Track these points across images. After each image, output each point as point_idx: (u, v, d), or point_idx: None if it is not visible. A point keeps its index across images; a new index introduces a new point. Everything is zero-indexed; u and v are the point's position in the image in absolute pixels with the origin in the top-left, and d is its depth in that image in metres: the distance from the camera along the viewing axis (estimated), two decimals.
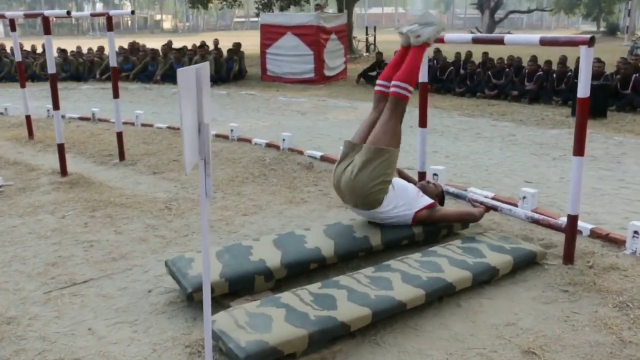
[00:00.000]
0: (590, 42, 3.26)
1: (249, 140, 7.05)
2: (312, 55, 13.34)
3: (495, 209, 4.16)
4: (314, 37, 13.25)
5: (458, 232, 4.09)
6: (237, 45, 14.61)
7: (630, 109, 9.34)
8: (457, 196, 4.61)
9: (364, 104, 10.46)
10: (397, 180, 3.96)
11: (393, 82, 3.77)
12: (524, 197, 4.51)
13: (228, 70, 13.77)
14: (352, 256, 3.59)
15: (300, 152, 6.46)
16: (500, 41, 3.82)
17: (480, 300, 3.20)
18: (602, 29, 49.73)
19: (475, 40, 4.06)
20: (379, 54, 14.10)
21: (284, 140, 6.63)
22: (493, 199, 4.61)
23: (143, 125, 8.20)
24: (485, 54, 12.84)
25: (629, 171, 5.87)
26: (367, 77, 13.95)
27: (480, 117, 9.21)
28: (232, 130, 7.19)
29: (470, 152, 6.78)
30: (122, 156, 6.29)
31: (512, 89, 11.39)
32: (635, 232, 3.74)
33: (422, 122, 4.65)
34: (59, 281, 3.43)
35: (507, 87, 11.51)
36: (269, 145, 6.82)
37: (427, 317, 3.03)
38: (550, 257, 3.69)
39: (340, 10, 19.45)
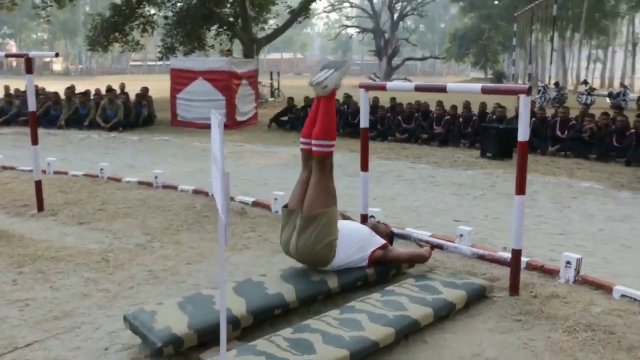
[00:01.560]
0: (528, 92, 3.57)
1: (174, 187, 6.87)
2: (224, 101, 13.34)
3: (440, 247, 4.34)
4: (225, 82, 13.29)
5: (405, 272, 4.22)
6: (145, 90, 14.32)
7: (531, 150, 10.15)
8: (401, 236, 4.76)
9: (281, 149, 10.59)
10: (345, 226, 3.95)
11: (313, 142, 3.71)
12: (461, 235, 4.74)
13: (137, 115, 13.41)
14: (312, 300, 3.58)
15: (231, 199, 6.39)
16: (442, 89, 4.07)
17: (443, 335, 3.31)
18: (489, 75, 54.00)
19: (418, 89, 4.29)
20: (290, 99, 14.38)
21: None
22: (433, 237, 4.80)
23: (56, 172, 7.75)
24: (393, 99, 13.49)
25: (544, 207, 6.37)
26: (278, 122, 14.16)
27: (397, 160, 9.61)
28: (156, 177, 6.98)
29: (396, 194, 7.04)
30: (40, 206, 5.89)
31: (422, 132, 12.02)
32: (568, 262, 4.06)
33: (364, 166, 4.80)
34: None
35: (416, 131, 12.13)
36: (196, 191, 6.69)
37: (397, 355, 3.08)
38: (496, 289, 3.90)
39: (245, 55, 19.70)
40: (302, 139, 3.89)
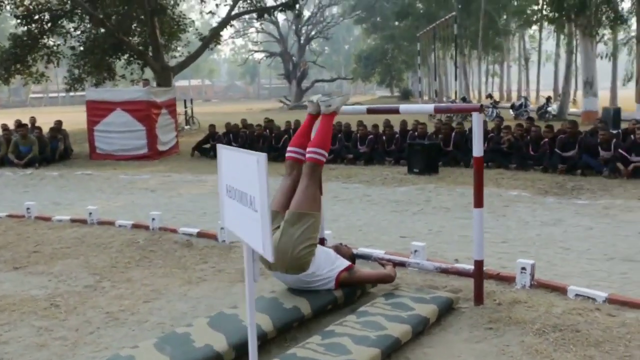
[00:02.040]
0: (480, 109, 3.75)
1: (111, 223, 6.56)
2: (144, 131, 12.98)
3: (402, 264, 4.42)
4: (144, 112, 12.94)
5: (369, 291, 4.26)
6: (59, 123, 13.63)
7: (455, 163, 10.61)
8: (362, 257, 4.80)
9: (210, 177, 10.41)
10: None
11: (309, 149, 3.93)
12: (416, 251, 4.84)
13: (53, 150, 12.72)
14: (288, 327, 3.53)
15: (174, 231, 6.19)
16: (395, 111, 4.19)
17: (423, 350, 3.36)
18: (396, 93, 56.00)
19: (371, 111, 4.37)
20: (212, 126, 14.19)
21: (153, 219, 6.30)
22: (392, 254, 4.88)
23: None
24: (297, 121, 13.65)
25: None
26: (201, 150, 13.91)
27: (329, 181, 9.70)
28: (90, 213, 6.64)
29: (337, 215, 7.10)
30: None
31: (347, 152, 12.23)
32: (523, 268, 4.26)
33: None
34: None
35: (341, 152, 12.33)
36: (136, 226, 6.43)
37: None
38: (461, 301, 4.01)
39: (158, 84, 19.26)
40: (290, 148, 4.11)
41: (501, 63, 45.02)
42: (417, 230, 6.22)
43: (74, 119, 21.30)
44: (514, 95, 39.61)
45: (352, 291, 4.04)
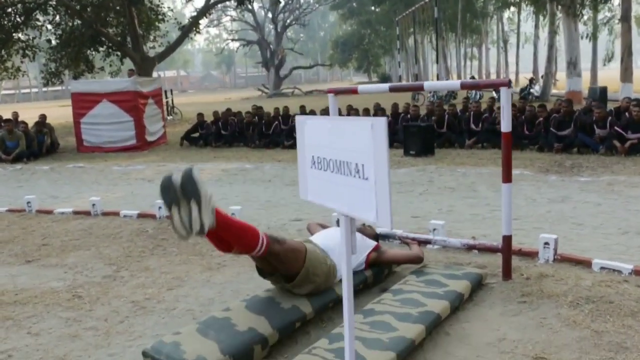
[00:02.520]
0: (509, 84, 3.74)
1: (116, 214, 6.45)
2: (132, 122, 12.77)
3: (428, 242, 4.42)
4: (132, 102, 12.72)
5: (395, 271, 4.26)
6: (44, 117, 13.33)
7: (449, 144, 10.66)
8: (386, 237, 4.79)
9: (207, 165, 10.32)
10: (333, 236, 3.83)
11: (251, 255, 3.25)
12: (434, 229, 4.85)
13: (39, 144, 12.45)
14: (325, 308, 3.51)
15: None
16: (420, 88, 4.16)
17: (461, 325, 3.37)
18: (374, 79, 55.99)
19: (393, 89, 4.34)
20: (200, 114, 14.02)
21: (160, 208, 6.21)
22: (416, 233, 4.88)
23: None
24: (286, 107, 13.58)
25: (488, 197, 6.69)
26: (190, 139, 13.76)
27: None
28: (94, 204, 6.51)
29: None
30: None
31: None
32: (546, 243, 4.29)
33: None
34: None
35: None
36: (141, 215, 6.33)
37: (430, 350, 3.09)
38: (488, 277, 4.03)
39: (139, 75, 18.92)
40: (229, 253, 3.30)
41: (479, 46, 45.27)
42: (427, 210, 6.23)
43: (52, 113, 20.84)
44: (493, 77, 39.86)
45: (380, 271, 4.03)
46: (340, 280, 3.65)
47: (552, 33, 20.72)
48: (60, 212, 6.65)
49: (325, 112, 13.00)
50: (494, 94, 22.35)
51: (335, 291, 3.59)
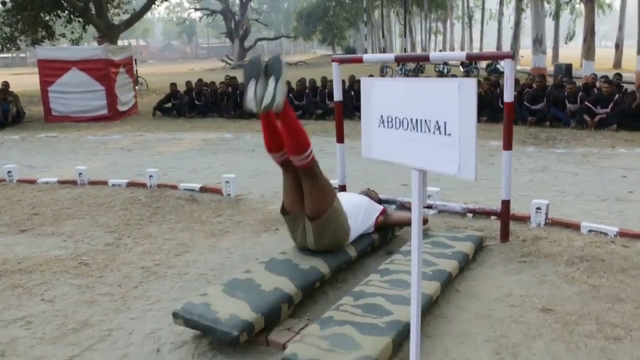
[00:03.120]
0: (513, 56, 3.88)
1: (104, 183, 6.40)
2: (104, 91, 12.49)
3: (429, 207, 4.59)
4: (103, 71, 12.42)
5: (397, 234, 4.43)
6: (6, 85, 12.89)
7: None
8: (387, 202, 4.93)
9: (185, 135, 10.26)
10: (346, 199, 3.92)
11: (293, 157, 3.41)
12: (430, 196, 5.03)
13: (4, 112, 12.06)
14: (339, 269, 3.64)
15: (174, 187, 6.12)
16: (425, 58, 4.27)
17: (469, 284, 3.56)
18: (338, 52, 55.78)
19: (399, 59, 4.43)
20: (173, 84, 13.81)
21: (151, 176, 6.20)
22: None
23: None
24: None
25: None
26: (163, 109, 13.58)
27: (313, 135, 9.73)
28: (80, 173, 6.44)
29: (332, 167, 7.18)
30: None
31: (316, 108, 12.27)
32: (538, 208, 4.52)
33: (339, 139, 4.89)
34: None
35: (310, 108, 12.35)
36: (131, 184, 6.30)
37: (444, 306, 3.27)
38: (486, 239, 4.24)
39: (100, 43, 18.41)
40: (271, 154, 3.55)
41: (444, 21, 45.61)
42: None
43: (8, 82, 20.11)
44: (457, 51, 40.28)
45: (385, 234, 4.19)
46: (351, 242, 3.81)
47: (519, 10, 21.09)
48: (45, 182, 6.54)
49: (300, 82, 13.02)
50: (461, 69, 22.76)
51: (347, 253, 3.72)
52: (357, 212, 3.90)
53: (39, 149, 9.31)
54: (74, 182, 6.47)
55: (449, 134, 1.56)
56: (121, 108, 12.98)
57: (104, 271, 3.97)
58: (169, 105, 13.57)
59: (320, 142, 9.02)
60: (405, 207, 4.56)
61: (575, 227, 4.40)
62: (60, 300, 3.53)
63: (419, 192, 1.77)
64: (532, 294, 3.35)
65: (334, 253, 3.67)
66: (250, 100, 3.12)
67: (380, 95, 1.80)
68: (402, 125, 1.72)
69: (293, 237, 3.73)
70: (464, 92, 1.48)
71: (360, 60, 4.42)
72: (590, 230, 4.31)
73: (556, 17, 26.86)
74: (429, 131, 1.62)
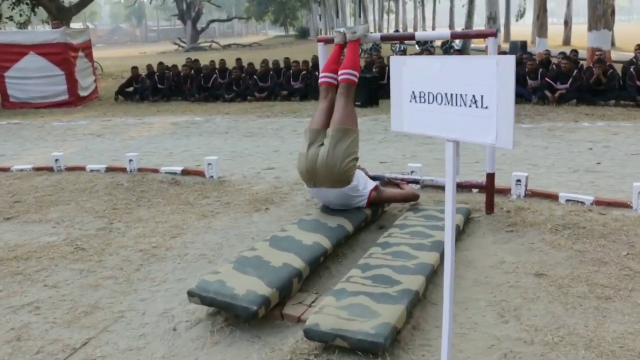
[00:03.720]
0: (495, 34, 4.05)
1: (82, 168, 6.31)
2: (64, 76, 12.16)
3: (417, 182, 4.75)
4: (62, 55, 12.08)
5: (386, 210, 4.58)
6: None
7: (387, 96, 11.04)
8: (374, 178, 5.06)
9: (154, 119, 10.14)
10: None
11: (344, 71, 4.23)
12: (412, 172, 5.20)
13: None
14: (339, 244, 3.77)
15: (155, 171, 6.10)
16: (411, 37, 4.40)
17: (463, 253, 3.74)
18: (291, 32, 55.37)
19: (385, 38, 4.54)
20: (135, 68, 13.53)
21: (131, 161, 6.15)
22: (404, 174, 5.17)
23: None
24: (222, 60, 13.43)
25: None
26: (124, 94, 13.32)
27: (281, 116, 9.80)
28: (57, 160, 6.33)
29: None
30: None
31: (281, 89, 12.28)
32: (518, 180, 4.75)
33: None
34: (50, 354, 2.81)
35: (275, 89, 12.34)
36: (110, 169, 6.24)
37: (441, 275, 3.43)
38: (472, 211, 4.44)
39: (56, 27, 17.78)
40: (324, 74, 4.38)
41: (396, 0, 45.91)
42: (392, 157, 6.57)
43: None
44: (410, 31, 40.68)
45: (376, 209, 4.34)
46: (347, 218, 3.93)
47: None
48: (20, 169, 6.41)
49: (264, 63, 12.97)
50: (417, 47, 23.06)
51: (345, 228, 3.85)
52: (360, 176, 4.10)
53: (3, 137, 9.04)
54: (50, 169, 6.36)
55: (486, 107, 1.68)
56: (82, 93, 12.67)
57: (102, 255, 3.98)
58: (130, 89, 13.31)
59: (292, 123, 9.10)
60: (392, 183, 4.71)
61: (554, 197, 4.65)
62: (64, 285, 3.54)
63: (453, 162, 1.89)
64: (523, 260, 3.56)
65: (334, 228, 3.79)
66: (341, 28, 4.29)
67: (412, 73, 1.91)
68: (435, 99, 1.84)
69: (306, 150, 4.04)
70: (502, 68, 1.61)
71: None
72: (567, 200, 4.57)
73: None
74: (465, 105, 1.74)
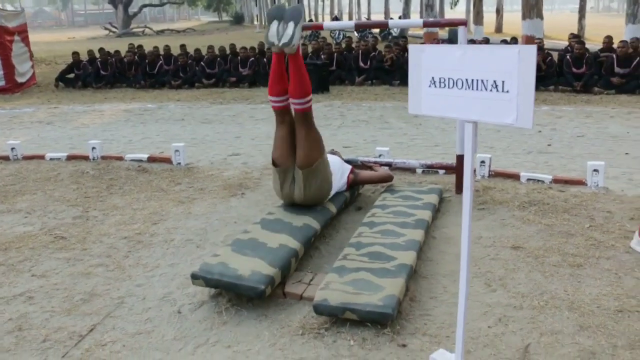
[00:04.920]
0: (465, 23, 4.26)
1: (41, 157, 6.13)
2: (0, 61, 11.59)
3: (389, 165, 4.94)
4: None
5: (360, 192, 4.76)
6: None
7: (341, 81, 11.23)
8: (348, 162, 5.20)
9: (103, 106, 9.89)
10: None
11: (294, 100, 3.72)
12: (380, 155, 5.39)
13: None
14: (326, 224, 3.91)
15: (119, 158, 6.01)
16: (384, 25, 4.54)
17: (441, 230, 3.97)
18: (225, 18, 54.50)
19: (359, 26, 4.66)
20: (75, 53, 13.08)
21: (94, 149, 6.03)
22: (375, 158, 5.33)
23: None
24: (167, 46, 13.18)
25: (402, 127, 7.39)
26: (65, 80, 12.86)
27: (229, 103, 9.78)
28: (13, 148, 6.11)
29: (265, 133, 7.35)
30: None
31: (229, 76, 12.20)
32: (482, 161, 5.03)
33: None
34: (57, 342, 2.80)
35: (223, 75, 12.26)
36: (71, 157, 6.10)
37: (427, 250, 3.63)
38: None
39: None
40: (272, 98, 3.80)
41: None
42: (353, 141, 6.75)
43: None
44: (346, 18, 41.01)
45: (353, 192, 4.50)
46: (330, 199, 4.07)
47: None
48: None
49: (211, 49, 12.81)
50: (356, 34, 23.35)
51: (329, 210, 3.99)
52: (336, 170, 4.17)
53: None
54: (5, 158, 6.14)
55: (507, 91, 1.86)
56: (19, 79, 12.14)
57: (85, 243, 3.94)
58: (71, 75, 12.86)
59: (248, 110, 9.12)
60: (366, 166, 4.88)
61: (516, 177, 4.97)
62: (53, 274, 3.50)
63: (473, 142, 2.06)
64: (499, 235, 3.82)
65: (320, 210, 3.92)
66: (272, 35, 3.54)
67: (432, 60, 2.06)
68: (455, 84, 2.00)
69: (280, 189, 3.91)
70: (523, 56, 1.79)
71: (321, 27, 4.61)
72: (529, 179, 4.89)
73: None
74: (486, 89, 1.91)
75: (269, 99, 3.88)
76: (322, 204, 4.00)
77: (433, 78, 2.09)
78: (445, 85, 2.06)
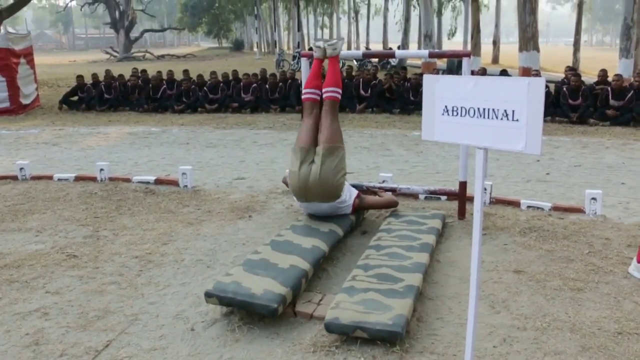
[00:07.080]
0: (469, 55, 4.44)
1: (49, 177, 6.24)
2: (5, 82, 11.75)
3: (393, 190, 5.07)
4: (3, 61, 11.68)
5: (365, 217, 4.87)
6: None
7: (341, 109, 11.40)
8: (354, 187, 5.32)
9: (108, 129, 10.02)
10: None
11: (328, 89, 4.49)
12: (384, 181, 5.52)
13: None
14: (335, 247, 4.01)
15: (127, 180, 6.12)
16: (391, 55, 4.72)
17: (445, 254, 4.08)
18: (225, 44, 55.13)
19: (367, 55, 4.83)
20: (80, 77, 13.26)
21: (102, 170, 6.14)
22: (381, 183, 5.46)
23: None
24: (170, 71, 13.36)
25: (403, 155, 7.54)
26: (69, 103, 13.01)
27: (238, 127, 9.93)
28: (22, 168, 6.22)
29: (269, 158, 7.49)
30: None
31: (232, 101, 12.39)
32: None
33: None
34: (74, 356, 2.88)
35: (225, 101, 12.45)
36: (80, 178, 6.20)
37: (432, 274, 3.74)
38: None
39: None
40: (307, 90, 4.56)
41: (330, 15, 46.84)
42: (356, 167, 6.87)
43: None
44: (344, 47, 41.57)
45: (359, 216, 4.62)
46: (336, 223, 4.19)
47: (409, 6, 22.41)
48: None
49: (214, 75, 13.02)
50: (355, 62, 23.70)
51: (337, 233, 4.10)
52: (345, 187, 4.37)
53: None
54: (14, 178, 6.24)
55: (517, 120, 2.00)
56: (24, 101, 12.28)
57: (97, 262, 4.03)
58: (75, 98, 13.03)
59: (250, 135, 9.26)
60: (370, 191, 5.00)
61: (516, 204, 5.10)
62: (66, 291, 3.58)
63: (483, 167, 2.20)
64: (501, 259, 3.94)
65: (325, 233, 4.03)
66: (320, 39, 4.70)
67: (445, 89, 2.21)
68: (467, 113, 2.14)
69: (297, 169, 4.22)
70: (532, 88, 1.94)
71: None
72: (529, 206, 5.02)
73: (439, 14, 28.85)
74: (496, 117, 2.05)
75: (303, 91, 4.62)
76: (332, 196, 4.18)
77: (446, 106, 2.23)
78: (458, 114, 2.20)
